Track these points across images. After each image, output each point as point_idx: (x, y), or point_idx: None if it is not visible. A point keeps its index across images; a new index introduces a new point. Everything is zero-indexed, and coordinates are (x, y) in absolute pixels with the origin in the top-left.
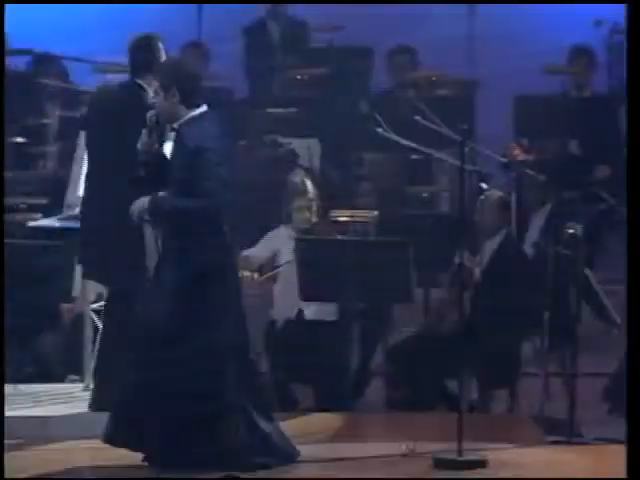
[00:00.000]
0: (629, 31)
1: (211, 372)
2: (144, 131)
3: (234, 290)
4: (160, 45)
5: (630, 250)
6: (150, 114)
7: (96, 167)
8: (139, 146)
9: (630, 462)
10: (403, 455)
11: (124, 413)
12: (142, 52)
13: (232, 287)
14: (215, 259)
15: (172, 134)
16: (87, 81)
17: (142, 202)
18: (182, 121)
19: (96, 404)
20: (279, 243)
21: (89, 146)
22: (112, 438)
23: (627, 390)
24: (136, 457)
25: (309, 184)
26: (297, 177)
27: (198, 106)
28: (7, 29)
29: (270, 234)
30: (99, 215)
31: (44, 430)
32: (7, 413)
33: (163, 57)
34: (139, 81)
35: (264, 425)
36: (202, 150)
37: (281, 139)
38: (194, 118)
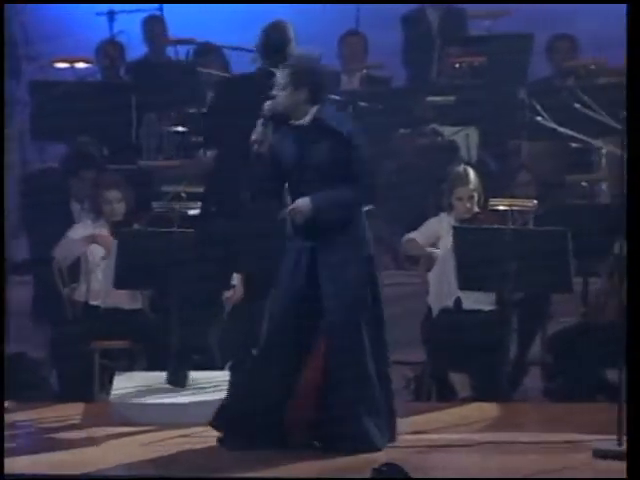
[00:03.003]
0: (629, 31)
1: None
2: (259, 121)
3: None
4: (292, 32)
5: (630, 250)
6: (268, 105)
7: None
8: (253, 137)
9: (630, 462)
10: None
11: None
12: (275, 37)
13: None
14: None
15: (297, 129)
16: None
17: (304, 202)
18: (314, 114)
19: None
20: (440, 230)
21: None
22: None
23: (627, 389)
24: None
25: (472, 174)
26: (460, 167)
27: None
28: (167, 18)
29: (432, 220)
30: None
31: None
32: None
33: (293, 44)
34: (271, 68)
35: None
36: (353, 136)
37: (439, 127)
38: (324, 109)
